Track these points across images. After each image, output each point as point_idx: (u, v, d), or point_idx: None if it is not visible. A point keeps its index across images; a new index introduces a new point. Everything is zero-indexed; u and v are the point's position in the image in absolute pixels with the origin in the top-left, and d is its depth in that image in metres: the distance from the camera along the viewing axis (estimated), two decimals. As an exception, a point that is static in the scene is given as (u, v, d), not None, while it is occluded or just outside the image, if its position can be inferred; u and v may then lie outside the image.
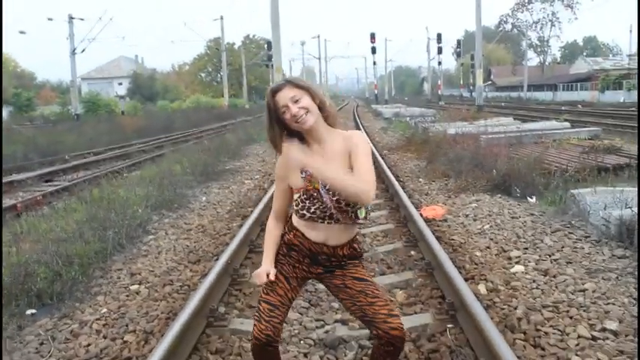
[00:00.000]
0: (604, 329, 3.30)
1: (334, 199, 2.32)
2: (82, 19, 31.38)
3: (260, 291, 2.49)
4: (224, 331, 3.52)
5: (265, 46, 35.55)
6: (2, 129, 13.95)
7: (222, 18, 44.02)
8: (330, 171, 2.23)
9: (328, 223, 2.37)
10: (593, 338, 3.21)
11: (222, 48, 46.58)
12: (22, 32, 34.94)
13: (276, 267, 2.47)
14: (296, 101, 2.26)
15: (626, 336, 3.20)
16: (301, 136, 2.38)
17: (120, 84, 67.73)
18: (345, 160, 2.33)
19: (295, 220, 2.45)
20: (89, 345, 3.44)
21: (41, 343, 3.51)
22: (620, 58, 64.46)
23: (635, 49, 55.30)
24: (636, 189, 5.94)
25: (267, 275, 2.40)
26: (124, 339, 3.49)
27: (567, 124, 16.25)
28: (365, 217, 2.43)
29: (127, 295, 4.29)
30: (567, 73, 65.66)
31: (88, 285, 4.53)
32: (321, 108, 2.34)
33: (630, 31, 55.82)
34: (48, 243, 5.11)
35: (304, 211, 2.37)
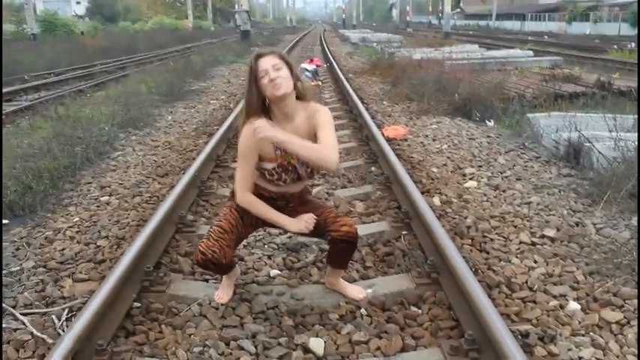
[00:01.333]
0: (543, 236, 3.62)
1: (308, 170, 2.58)
2: None
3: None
4: (192, 237, 3.70)
5: (231, -35, 34.32)
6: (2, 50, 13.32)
7: None
8: (295, 142, 2.39)
9: (297, 184, 2.68)
10: (533, 244, 3.52)
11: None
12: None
13: (234, 209, 2.70)
14: (277, 69, 2.42)
15: (561, 242, 3.53)
16: (269, 117, 2.53)
17: (78, 3, 64.92)
18: (310, 135, 2.52)
19: (256, 178, 2.63)
20: (64, 249, 3.58)
21: (17, 249, 3.62)
22: (589, -11, 64.21)
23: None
24: (587, 114, 6.25)
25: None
26: (97, 244, 3.63)
27: (530, 52, 16.49)
28: None
29: (98, 206, 4.41)
30: (537, 2, 65.29)
31: (58, 197, 4.63)
32: (297, 87, 2.51)
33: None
34: (16, 158, 5.14)
35: (280, 182, 2.59)
